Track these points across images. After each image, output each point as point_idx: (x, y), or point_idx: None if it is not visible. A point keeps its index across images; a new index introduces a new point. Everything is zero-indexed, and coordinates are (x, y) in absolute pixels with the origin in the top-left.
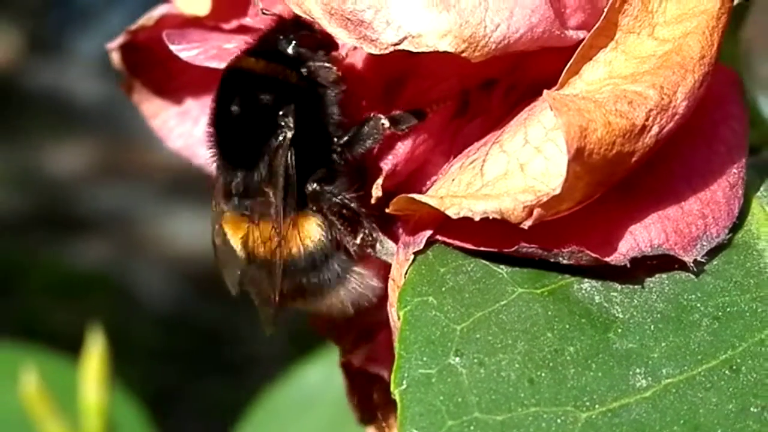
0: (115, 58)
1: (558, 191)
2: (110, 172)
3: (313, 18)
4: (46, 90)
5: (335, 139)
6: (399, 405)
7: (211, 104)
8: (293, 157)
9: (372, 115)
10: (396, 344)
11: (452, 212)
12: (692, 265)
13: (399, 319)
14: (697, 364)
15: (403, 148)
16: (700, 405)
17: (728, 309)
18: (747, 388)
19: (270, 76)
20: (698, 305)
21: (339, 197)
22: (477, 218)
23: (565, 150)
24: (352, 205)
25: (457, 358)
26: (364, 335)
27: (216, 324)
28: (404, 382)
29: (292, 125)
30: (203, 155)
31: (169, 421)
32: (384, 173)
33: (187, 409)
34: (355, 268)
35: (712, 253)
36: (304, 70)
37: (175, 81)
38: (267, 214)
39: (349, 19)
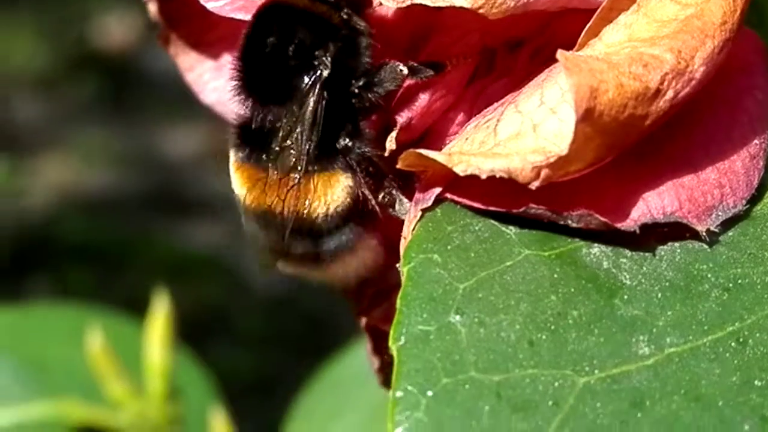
0: (152, 9)
1: (565, 152)
2: (224, 156)
3: None
4: (165, 73)
5: (353, 81)
6: (395, 360)
7: (243, 35)
8: (324, 102)
9: (389, 60)
10: (398, 300)
11: (459, 169)
12: (705, 234)
13: (403, 274)
14: (703, 334)
15: (419, 101)
16: (703, 376)
17: (739, 281)
18: (753, 361)
19: (313, 12)
20: (709, 275)
21: (368, 153)
22: (484, 176)
23: None
24: (378, 161)
25: (458, 317)
26: (381, 294)
27: (320, 311)
28: (402, 338)
29: (329, 64)
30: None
31: (272, 403)
32: (399, 125)
33: (290, 392)
34: (367, 237)
35: (728, 224)
36: (344, 14)
37: (211, 34)
38: (287, 159)
39: None
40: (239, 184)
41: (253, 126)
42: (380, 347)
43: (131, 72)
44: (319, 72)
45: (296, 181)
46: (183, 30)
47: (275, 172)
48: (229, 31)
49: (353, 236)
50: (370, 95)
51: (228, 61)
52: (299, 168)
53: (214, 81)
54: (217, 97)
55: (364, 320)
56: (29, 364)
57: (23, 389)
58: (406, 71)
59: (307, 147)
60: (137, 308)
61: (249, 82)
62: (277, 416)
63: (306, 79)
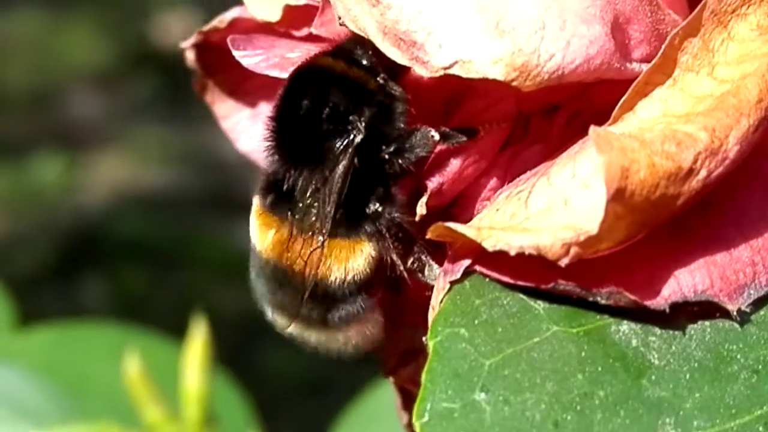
0: (189, 57)
1: (595, 231)
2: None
3: (367, 35)
4: None
5: (383, 147)
6: None
7: (278, 96)
8: (354, 167)
9: (421, 126)
10: (423, 375)
11: (488, 244)
12: (736, 314)
13: (429, 349)
14: (731, 418)
15: (451, 166)
16: None
17: None
18: None
19: (348, 76)
20: (738, 356)
21: (398, 218)
22: (513, 252)
23: None
24: (407, 227)
25: (483, 394)
26: (410, 354)
27: None
28: (426, 414)
29: (362, 129)
30: None
31: (323, 405)
32: (429, 191)
33: (341, 395)
34: (375, 311)
35: (760, 303)
36: (380, 78)
37: (248, 83)
38: (311, 220)
39: (402, 39)
40: (258, 233)
41: (282, 181)
42: (409, 405)
43: (190, 70)
44: (352, 137)
45: (320, 243)
46: (220, 78)
47: (298, 231)
48: (265, 81)
49: (364, 306)
50: (400, 161)
51: (264, 110)
52: (323, 231)
53: (250, 129)
54: (253, 145)
55: (392, 379)
56: (66, 384)
57: (59, 410)
58: (437, 137)
59: (332, 210)
60: (190, 308)
61: (281, 142)
62: (328, 419)
63: (339, 143)
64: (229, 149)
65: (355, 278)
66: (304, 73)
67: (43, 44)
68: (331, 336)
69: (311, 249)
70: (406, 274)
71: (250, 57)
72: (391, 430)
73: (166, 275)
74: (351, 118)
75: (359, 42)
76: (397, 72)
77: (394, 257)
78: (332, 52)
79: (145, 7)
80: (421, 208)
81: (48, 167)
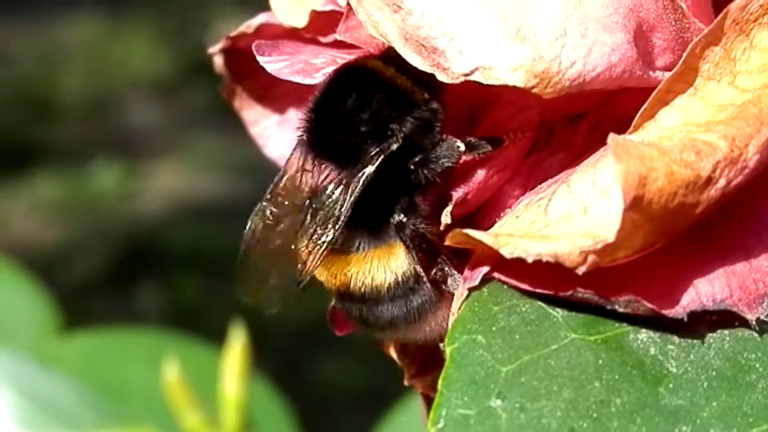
0: (218, 62)
1: (612, 239)
2: None
3: (388, 41)
4: None
5: (409, 158)
6: None
7: (320, 88)
8: (379, 175)
9: (447, 136)
10: (439, 381)
11: (506, 251)
12: (755, 323)
13: (446, 355)
14: (748, 426)
15: (476, 176)
16: None
17: None
18: None
19: (397, 85)
20: (757, 365)
21: (422, 229)
22: (530, 260)
23: None
24: (431, 238)
25: (499, 401)
26: (431, 361)
27: None
28: (441, 420)
29: (400, 139)
30: None
31: (375, 413)
32: (454, 200)
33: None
34: (437, 305)
35: None
36: (426, 92)
37: (276, 89)
38: (330, 210)
39: (423, 46)
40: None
41: (306, 171)
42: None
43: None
44: (388, 144)
45: (328, 240)
46: (248, 84)
47: (311, 224)
48: (293, 87)
49: (419, 307)
50: (426, 171)
51: (292, 116)
52: (335, 228)
53: (278, 135)
54: (281, 151)
55: (417, 387)
56: (104, 390)
57: (98, 415)
58: (463, 147)
59: (348, 210)
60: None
61: (316, 133)
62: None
63: (374, 148)
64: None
65: (404, 277)
66: (353, 71)
67: (102, 52)
68: (400, 332)
69: (319, 243)
70: (429, 285)
71: (275, 62)
72: None
73: (220, 284)
74: (392, 126)
75: None
76: (439, 89)
77: (418, 268)
78: (383, 56)
79: (203, 16)
80: (446, 218)
81: (106, 175)
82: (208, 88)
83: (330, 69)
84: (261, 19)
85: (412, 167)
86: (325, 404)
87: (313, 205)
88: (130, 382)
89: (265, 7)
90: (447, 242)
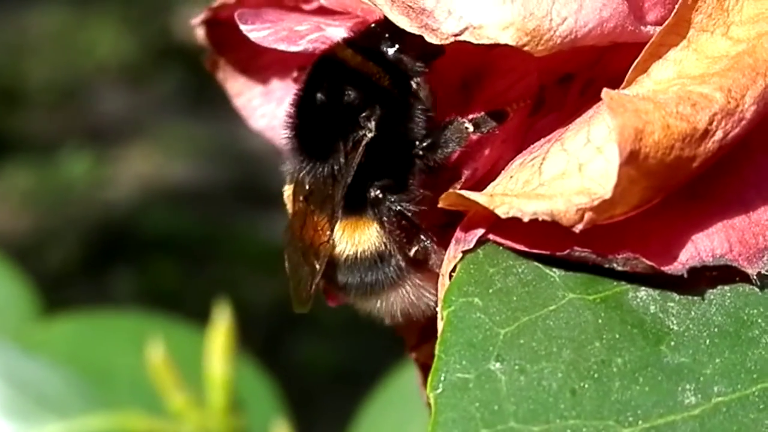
0: (200, 34)
1: (609, 195)
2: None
3: (375, 5)
4: None
5: (417, 143)
6: (433, 409)
7: (298, 85)
8: (364, 159)
9: (454, 117)
10: (437, 345)
11: (501, 211)
12: (755, 278)
13: (442, 319)
14: (752, 383)
15: (482, 151)
16: (751, 426)
17: None
18: None
19: (362, 73)
20: (759, 321)
21: (399, 206)
22: (526, 219)
23: None
24: (411, 216)
25: (498, 364)
26: (430, 330)
27: None
28: (440, 385)
29: (373, 128)
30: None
31: (356, 395)
32: (464, 177)
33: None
34: (413, 276)
35: None
36: (399, 76)
37: (259, 60)
38: (324, 206)
39: (410, 7)
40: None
41: (299, 169)
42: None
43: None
44: (361, 135)
45: (328, 236)
46: (231, 56)
47: (311, 218)
48: (277, 57)
49: (391, 277)
50: (436, 156)
51: (276, 86)
52: (332, 223)
53: (263, 107)
54: (266, 122)
55: (414, 355)
56: (90, 373)
57: (83, 400)
58: (471, 128)
59: (340, 204)
60: (219, 300)
61: (297, 132)
62: (357, 407)
63: (349, 140)
64: (255, 141)
65: (371, 251)
66: (324, 63)
67: (68, 39)
68: (374, 302)
69: (321, 240)
70: (403, 263)
71: (258, 31)
72: (415, 413)
73: (195, 268)
74: (362, 116)
75: (387, 28)
76: (427, 58)
77: (392, 244)
78: (356, 40)
79: (169, 1)
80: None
81: (75, 162)
82: (176, 73)
83: (314, 35)
84: None
85: (420, 153)
86: (304, 386)
87: (310, 204)
88: (113, 366)
89: None
90: (440, 204)
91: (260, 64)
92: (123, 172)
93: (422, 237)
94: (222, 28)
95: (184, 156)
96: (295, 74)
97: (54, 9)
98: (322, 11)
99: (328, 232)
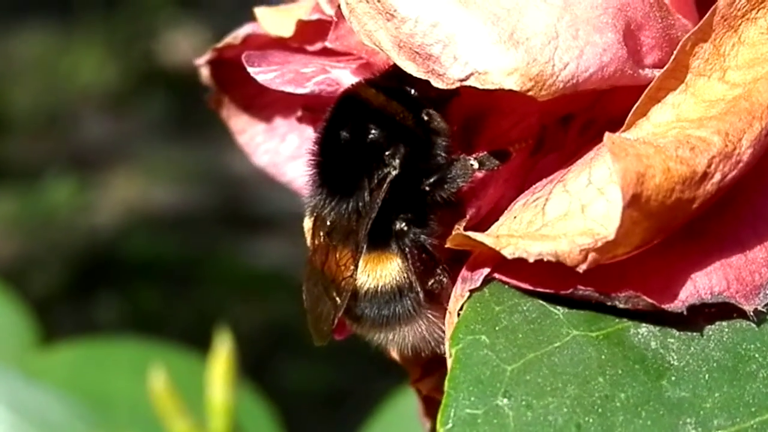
0: (204, 73)
1: (612, 236)
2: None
3: (382, 50)
4: None
5: (424, 179)
6: None
7: (321, 123)
8: (387, 195)
9: (460, 156)
10: (446, 382)
11: (507, 252)
12: (752, 314)
13: (451, 356)
14: (750, 416)
15: (486, 190)
16: None
17: None
18: None
19: (386, 112)
20: (757, 355)
21: (421, 240)
22: (531, 260)
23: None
24: (432, 250)
25: (505, 400)
26: (433, 364)
27: None
28: (450, 421)
29: (397, 166)
30: (288, 173)
31: (342, 419)
32: (468, 215)
33: (360, 408)
34: (428, 311)
35: None
36: (422, 114)
37: (263, 98)
38: (347, 241)
39: (417, 53)
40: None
41: (323, 204)
42: (432, 412)
43: (198, 88)
44: (385, 173)
45: (351, 273)
46: (235, 93)
47: (333, 254)
48: (280, 95)
49: (407, 311)
50: (443, 192)
51: (279, 124)
52: (356, 260)
53: (266, 143)
54: (269, 159)
55: (416, 387)
56: (90, 400)
57: (85, 426)
58: (476, 166)
59: (365, 240)
60: (205, 325)
61: (321, 169)
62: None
63: (373, 179)
64: (239, 166)
65: (391, 285)
66: (347, 102)
67: (51, 65)
68: (387, 335)
69: (344, 275)
70: (421, 296)
71: (265, 73)
72: None
73: (180, 293)
74: (387, 153)
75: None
76: (442, 99)
77: (413, 277)
78: (378, 80)
79: (152, 26)
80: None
81: (59, 188)
82: (159, 99)
83: (320, 78)
84: (247, 29)
85: (428, 188)
86: (289, 410)
87: (332, 240)
88: (113, 392)
89: (210, 15)
90: (447, 244)
91: (263, 102)
92: (107, 198)
93: (439, 271)
94: (226, 66)
95: (168, 181)
96: (299, 113)
97: (37, 35)
98: (326, 52)
99: (351, 267)
